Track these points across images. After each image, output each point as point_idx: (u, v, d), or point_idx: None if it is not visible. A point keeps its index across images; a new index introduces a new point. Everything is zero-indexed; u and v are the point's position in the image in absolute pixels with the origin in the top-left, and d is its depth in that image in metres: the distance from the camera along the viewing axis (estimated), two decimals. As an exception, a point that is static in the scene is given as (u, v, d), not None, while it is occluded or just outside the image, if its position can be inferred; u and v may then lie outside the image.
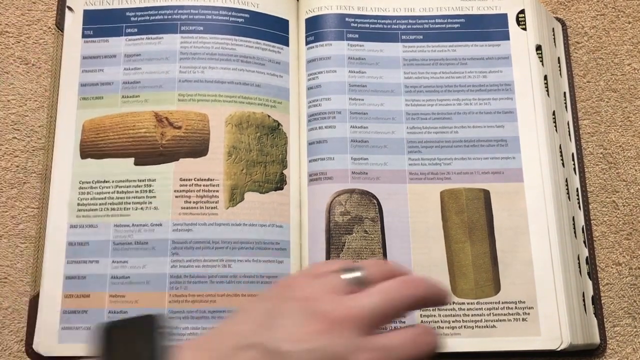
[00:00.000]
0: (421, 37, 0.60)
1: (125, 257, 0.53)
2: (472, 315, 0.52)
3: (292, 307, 0.38)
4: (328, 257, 0.54)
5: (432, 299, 0.40)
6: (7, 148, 0.57)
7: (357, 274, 0.40)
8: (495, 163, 0.56)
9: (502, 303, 0.53)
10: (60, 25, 0.59)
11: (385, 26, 0.60)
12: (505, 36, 0.59)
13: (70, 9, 0.59)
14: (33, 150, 0.57)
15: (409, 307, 0.40)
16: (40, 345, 0.52)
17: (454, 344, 0.52)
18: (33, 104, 0.59)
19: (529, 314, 0.52)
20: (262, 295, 0.41)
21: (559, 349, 0.51)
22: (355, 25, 0.60)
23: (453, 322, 0.52)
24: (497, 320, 0.52)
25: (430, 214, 0.55)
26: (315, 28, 0.60)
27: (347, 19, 0.60)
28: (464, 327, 0.52)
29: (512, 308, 0.52)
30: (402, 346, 0.39)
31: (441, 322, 0.52)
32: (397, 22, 0.60)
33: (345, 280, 0.40)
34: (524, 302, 0.52)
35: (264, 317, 0.39)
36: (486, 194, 0.55)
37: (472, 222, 0.55)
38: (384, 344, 0.38)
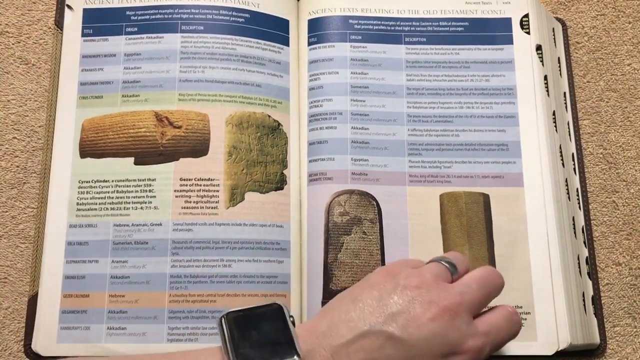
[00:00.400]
0: (424, 39, 0.60)
1: (125, 256, 0.53)
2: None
3: (404, 295, 0.40)
4: (326, 257, 0.53)
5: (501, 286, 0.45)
6: (7, 148, 0.57)
7: (452, 261, 0.44)
8: (495, 167, 0.56)
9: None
10: (59, 23, 0.59)
11: (388, 28, 0.60)
12: (509, 40, 0.59)
13: (69, 7, 0.59)
14: (33, 150, 0.57)
15: (496, 294, 0.44)
16: (39, 345, 0.52)
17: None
18: (33, 104, 0.58)
19: (526, 319, 0.52)
20: (366, 282, 0.42)
21: (554, 355, 0.51)
22: (359, 26, 0.59)
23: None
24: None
25: (429, 217, 0.55)
26: (318, 29, 0.59)
27: (350, 21, 0.60)
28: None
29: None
30: (502, 328, 0.42)
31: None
32: (401, 24, 0.60)
33: (444, 267, 0.43)
34: (521, 307, 0.52)
35: (377, 304, 0.40)
36: (486, 198, 0.55)
37: (471, 226, 0.55)
38: (487, 329, 0.41)
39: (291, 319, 0.40)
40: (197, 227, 0.53)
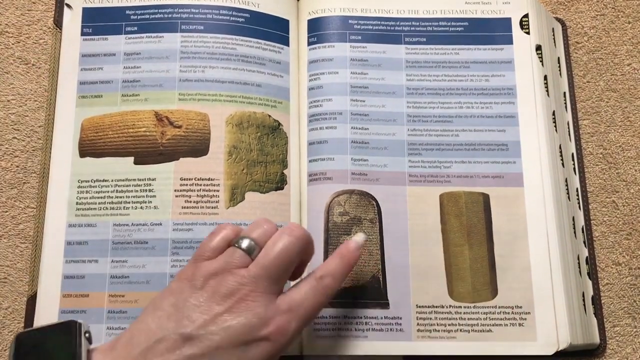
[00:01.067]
0: (424, 39, 0.60)
1: (125, 256, 0.53)
2: (468, 319, 0.52)
3: (197, 295, 0.40)
4: (326, 258, 0.53)
5: (308, 241, 0.45)
6: (7, 148, 0.57)
7: (247, 241, 0.43)
8: (495, 167, 0.56)
9: (499, 308, 0.52)
10: (58, 22, 0.59)
11: (388, 28, 0.60)
12: (509, 40, 0.59)
13: (68, 6, 0.59)
14: (33, 150, 0.57)
15: (296, 259, 0.43)
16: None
17: (449, 347, 0.52)
18: (33, 104, 0.58)
19: (525, 319, 0.52)
20: (167, 290, 0.42)
21: (554, 355, 0.51)
22: (359, 27, 0.59)
23: (449, 325, 0.52)
24: (493, 325, 0.52)
25: (429, 217, 0.55)
26: (318, 29, 0.59)
27: (350, 21, 0.60)
28: (460, 330, 0.52)
29: (508, 313, 0.52)
30: (306, 299, 0.43)
31: (437, 325, 0.52)
32: (401, 24, 0.60)
33: (240, 252, 0.43)
34: (521, 307, 0.52)
35: (173, 310, 0.40)
36: (485, 197, 0.55)
37: (470, 226, 0.55)
38: (289, 303, 0.42)
39: (87, 334, 0.40)
40: (197, 226, 0.53)
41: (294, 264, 0.44)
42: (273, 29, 0.59)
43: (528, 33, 0.60)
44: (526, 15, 0.60)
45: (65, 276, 0.53)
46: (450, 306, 0.53)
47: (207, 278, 0.41)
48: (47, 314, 0.52)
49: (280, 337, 0.41)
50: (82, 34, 0.59)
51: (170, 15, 0.58)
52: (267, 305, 0.41)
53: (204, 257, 0.43)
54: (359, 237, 0.48)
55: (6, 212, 0.56)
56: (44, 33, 0.60)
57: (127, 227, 0.53)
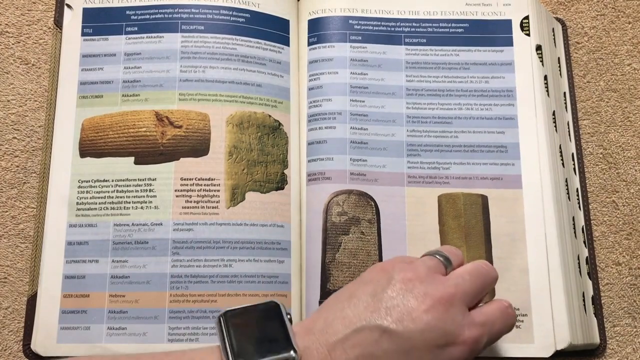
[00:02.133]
0: (424, 40, 0.60)
1: (125, 256, 0.53)
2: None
3: (398, 289, 0.40)
4: (324, 257, 0.53)
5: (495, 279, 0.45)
6: (7, 148, 0.57)
7: (443, 254, 0.44)
8: (494, 169, 0.56)
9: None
10: (59, 22, 0.59)
11: (389, 28, 0.60)
12: (509, 42, 0.59)
13: (69, 6, 0.59)
14: (33, 150, 0.57)
15: (490, 287, 0.44)
16: (39, 345, 0.52)
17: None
18: (33, 104, 0.58)
19: (522, 321, 0.52)
20: (361, 279, 0.43)
21: (552, 355, 0.51)
22: (359, 27, 0.59)
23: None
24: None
25: (428, 217, 0.55)
26: (318, 30, 0.59)
27: (350, 21, 0.60)
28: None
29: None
30: (497, 320, 0.43)
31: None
32: (401, 24, 0.60)
33: (438, 260, 0.43)
34: (518, 309, 0.52)
35: (371, 299, 0.40)
36: (484, 199, 0.55)
37: (469, 227, 0.55)
38: (484, 319, 0.42)
39: (288, 316, 0.41)
40: (197, 226, 0.53)
41: (485, 293, 0.45)
42: (273, 29, 0.59)
43: (529, 35, 0.60)
44: (526, 17, 0.60)
45: (66, 276, 0.53)
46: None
47: (404, 273, 0.41)
48: (47, 314, 0.52)
49: (473, 346, 0.41)
50: (83, 34, 0.59)
51: (170, 16, 0.58)
52: (464, 314, 0.41)
53: (403, 260, 0.44)
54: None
55: (6, 212, 0.56)
56: (44, 33, 0.60)
57: (128, 227, 0.53)
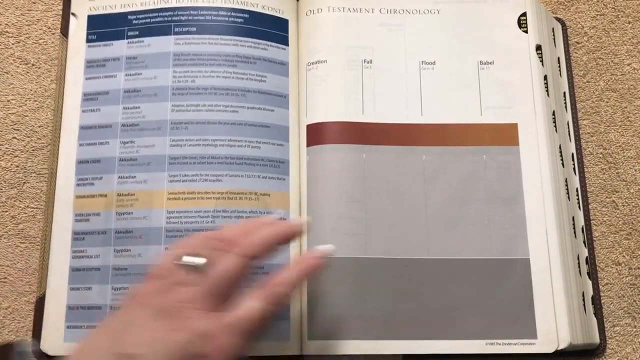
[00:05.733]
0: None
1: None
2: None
3: (140, 313, 0.40)
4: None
5: (278, 238, 0.44)
6: (7, 148, 0.57)
7: (194, 260, 0.42)
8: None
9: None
10: (65, 31, 0.59)
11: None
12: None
13: (74, 15, 0.59)
14: (33, 150, 0.57)
15: (244, 265, 0.42)
16: (47, 344, 0.52)
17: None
18: (33, 104, 0.59)
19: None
20: (117, 311, 0.42)
21: (554, 353, 0.51)
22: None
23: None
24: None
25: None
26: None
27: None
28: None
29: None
30: (251, 311, 0.41)
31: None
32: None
33: (183, 272, 0.41)
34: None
35: (119, 327, 0.40)
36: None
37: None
38: (233, 317, 0.40)
39: (34, 348, 0.41)
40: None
41: (240, 281, 0.42)
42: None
43: (526, 31, 0.59)
44: (524, 14, 0.60)
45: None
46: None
47: (150, 295, 0.41)
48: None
49: (220, 354, 0.39)
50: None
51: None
52: (208, 321, 0.40)
53: (152, 276, 0.42)
54: (328, 246, 0.46)
55: (6, 212, 0.56)
56: (44, 33, 0.61)
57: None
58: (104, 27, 0.59)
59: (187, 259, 0.42)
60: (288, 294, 0.43)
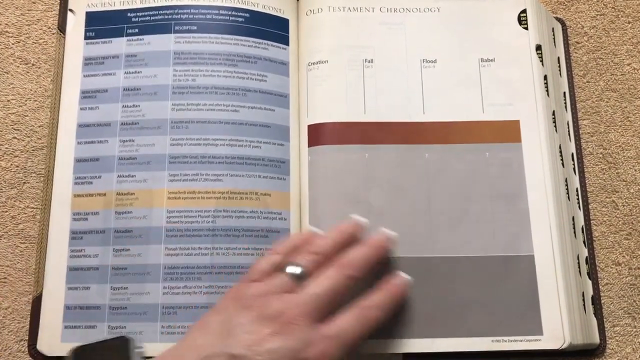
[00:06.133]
0: None
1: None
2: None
3: (244, 316, 0.42)
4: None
5: (376, 258, 0.47)
6: (7, 148, 0.57)
7: (296, 269, 0.45)
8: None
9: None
10: (62, 28, 0.59)
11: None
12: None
13: (71, 11, 0.59)
14: (33, 150, 0.57)
15: (346, 289, 0.45)
16: (44, 344, 0.52)
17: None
18: (33, 104, 0.58)
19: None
20: (214, 309, 0.44)
21: (561, 349, 0.51)
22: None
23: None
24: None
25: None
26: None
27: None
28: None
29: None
30: (351, 328, 0.44)
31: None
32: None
33: (286, 278, 0.44)
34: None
35: (220, 328, 0.41)
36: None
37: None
38: (335, 331, 0.43)
39: (140, 348, 0.42)
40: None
41: (341, 299, 0.45)
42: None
43: (526, 28, 0.59)
44: (524, 11, 0.60)
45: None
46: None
47: (253, 299, 0.43)
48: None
49: None
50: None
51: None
52: (311, 329, 0.42)
53: (252, 279, 0.45)
54: (403, 275, 0.50)
55: (6, 212, 0.56)
56: (44, 33, 0.61)
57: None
58: (102, 24, 0.59)
59: (290, 268, 0.45)
60: (381, 319, 0.46)
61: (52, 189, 0.55)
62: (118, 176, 0.55)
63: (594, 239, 0.57)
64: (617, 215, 0.58)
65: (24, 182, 0.57)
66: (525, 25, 0.59)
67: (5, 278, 0.54)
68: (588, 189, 0.58)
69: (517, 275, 0.53)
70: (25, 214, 0.56)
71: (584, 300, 0.54)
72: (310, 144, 0.57)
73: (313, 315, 0.43)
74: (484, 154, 0.56)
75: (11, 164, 0.57)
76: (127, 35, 0.58)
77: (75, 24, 0.59)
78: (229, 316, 0.42)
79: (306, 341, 0.41)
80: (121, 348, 0.42)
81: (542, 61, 0.59)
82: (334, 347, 0.42)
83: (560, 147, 0.57)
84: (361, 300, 0.46)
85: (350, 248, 0.48)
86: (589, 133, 0.60)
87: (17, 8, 0.61)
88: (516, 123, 0.57)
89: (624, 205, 0.58)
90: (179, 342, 0.43)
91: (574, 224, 0.56)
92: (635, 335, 0.55)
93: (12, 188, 0.57)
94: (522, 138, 0.56)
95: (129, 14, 0.59)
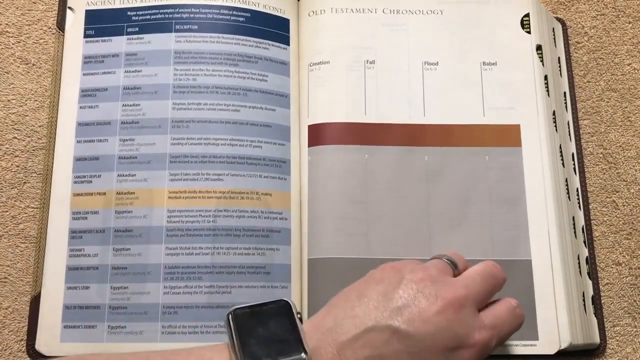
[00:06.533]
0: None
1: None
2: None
3: (409, 289, 0.40)
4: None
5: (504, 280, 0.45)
6: (7, 148, 0.57)
7: (452, 258, 0.44)
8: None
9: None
10: (61, 25, 0.59)
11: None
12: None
13: (71, 9, 0.59)
14: (33, 150, 0.57)
15: (499, 288, 0.45)
16: (42, 344, 0.52)
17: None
18: (33, 104, 0.58)
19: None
20: (371, 277, 0.42)
21: (559, 351, 0.51)
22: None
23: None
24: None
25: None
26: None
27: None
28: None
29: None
30: (506, 322, 0.43)
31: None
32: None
33: (446, 263, 0.44)
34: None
35: (382, 299, 0.40)
36: None
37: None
38: (493, 322, 0.42)
39: (298, 315, 0.41)
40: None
41: (494, 294, 0.45)
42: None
43: (529, 32, 0.60)
44: (527, 15, 0.60)
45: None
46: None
47: (416, 272, 0.41)
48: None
49: (483, 350, 0.40)
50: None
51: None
52: (474, 316, 0.41)
53: (427, 267, 0.43)
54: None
55: (6, 212, 0.56)
56: (44, 33, 0.61)
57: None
58: (102, 23, 0.59)
59: (447, 256, 0.45)
60: (520, 323, 0.45)
61: (51, 188, 0.55)
62: (118, 175, 0.55)
63: (594, 239, 0.57)
64: (618, 215, 0.58)
65: (25, 182, 0.57)
66: (528, 29, 0.60)
67: (5, 278, 0.54)
68: (588, 189, 0.58)
69: (514, 280, 0.53)
70: (26, 213, 0.56)
71: (584, 300, 0.54)
72: (310, 144, 0.57)
73: (475, 304, 0.42)
74: (483, 158, 0.56)
75: (11, 164, 0.57)
76: (127, 33, 0.58)
77: (75, 22, 0.59)
78: (390, 287, 0.40)
79: (469, 326, 0.40)
80: (283, 312, 0.40)
81: (542, 61, 0.59)
82: (493, 337, 0.41)
83: (560, 147, 0.57)
84: (506, 298, 0.45)
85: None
86: (589, 133, 0.60)
87: (17, 8, 0.61)
88: (517, 127, 0.57)
89: (624, 205, 0.58)
90: (330, 305, 0.41)
91: (574, 224, 0.56)
92: (636, 335, 0.55)
93: (12, 188, 0.56)
94: (523, 142, 0.57)
95: (129, 13, 0.59)
